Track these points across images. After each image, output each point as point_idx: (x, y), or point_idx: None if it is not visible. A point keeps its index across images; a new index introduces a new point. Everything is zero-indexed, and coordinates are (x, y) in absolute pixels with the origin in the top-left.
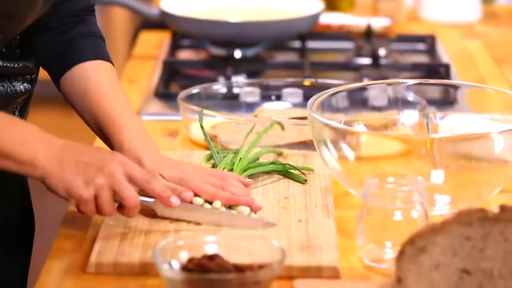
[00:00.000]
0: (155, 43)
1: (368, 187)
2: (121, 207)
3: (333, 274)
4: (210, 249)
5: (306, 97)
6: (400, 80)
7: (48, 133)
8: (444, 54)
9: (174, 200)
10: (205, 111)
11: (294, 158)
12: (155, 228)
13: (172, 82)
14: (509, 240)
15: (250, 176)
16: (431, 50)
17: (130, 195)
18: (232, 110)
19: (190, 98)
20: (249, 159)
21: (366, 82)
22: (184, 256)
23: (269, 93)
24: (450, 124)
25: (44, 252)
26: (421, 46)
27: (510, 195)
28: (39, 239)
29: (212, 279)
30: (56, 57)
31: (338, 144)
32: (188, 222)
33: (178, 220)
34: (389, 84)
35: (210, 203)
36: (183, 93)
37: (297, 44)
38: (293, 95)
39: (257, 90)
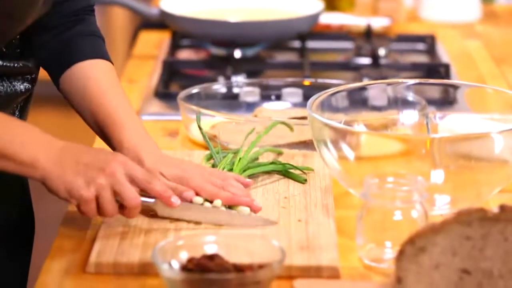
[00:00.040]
0: (155, 43)
1: (368, 187)
2: (122, 208)
3: (333, 274)
4: (210, 249)
5: (306, 97)
6: (400, 80)
7: (48, 134)
8: (444, 54)
9: (175, 200)
10: (205, 111)
11: (294, 158)
12: (154, 228)
13: (172, 82)
14: (509, 240)
15: (250, 176)
16: (431, 50)
17: (131, 195)
18: (232, 110)
19: (190, 98)
20: (248, 159)
21: (366, 82)
22: (184, 256)
23: (269, 93)
24: (450, 124)
25: (44, 252)
26: (421, 46)
27: (510, 195)
28: (39, 239)
29: (212, 279)
30: (56, 57)
31: (338, 144)
32: (188, 221)
33: (177, 219)
34: (389, 84)
35: (211, 202)
36: (183, 93)
37: (297, 44)
38: (293, 95)
39: (257, 90)
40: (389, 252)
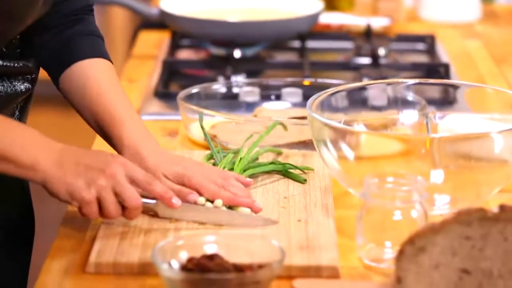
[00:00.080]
0: (154, 43)
1: (367, 186)
2: (123, 209)
3: (333, 273)
4: (210, 249)
5: (306, 97)
6: (400, 80)
7: (47, 137)
8: (444, 54)
9: (176, 201)
10: (205, 111)
11: (293, 157)
12: (154, 228)
13: (172, 82)
14: (509, 239)
15: (250, 176)
16: (431, 50)
17: (132, 196)
18: (231, 109)
19: (190, 97)
20: (249, 159)
21: (365, 81)
22: (184, 256)
23: (269, 93)
24: (449, 123)
25: (44, 252)
26: (420, 46)
27: (510, 194)
28: (39, 239)
29: (212, 279)
30: (55, 56)
31: (338, 144)
32: (188, 222)
33: (177, 219)
34: (388, 84)
35: (211, 201)
36: (182, 93)
37: (296, 44)
38: (292, 94)
39: (256, 90)
40: (389, 252)
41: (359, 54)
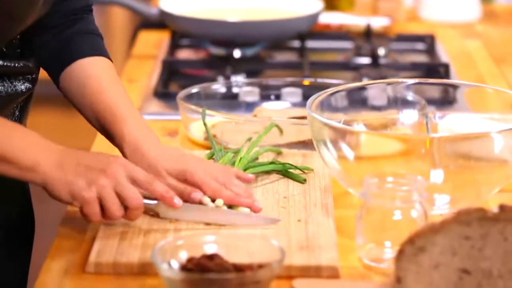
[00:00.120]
0: (154, 43)
1: (367, 186)
2: (124, 210)
3: (333, 273)
4: (210, 249)
5: (306, 97)
6: (400, 80)
7: (46, 138)
8: (444, 54)
9: (177, 201)
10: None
11: (293, 157)
12: (154, 228)
13: (172, 82)
14: (509, 239)
15: (247, 181)
16: (431, 50)
17: (133, 195)
18: (231, 109)
19: (190, 97)
20: (248, 159)
21: (365, 81)
22: (184, 256)
23: (269, 93)
24: (449, 123)
25: (44, 252)
26: (420, 45)
27: (509, 194)
28: (39, 239)
29: (212, 279)
30: (55, 55)
31: (338, 144)
32: (189, 222)
33: (177, 220)
34: (388, 84)
35: (212, 200)
36: (182, 93)
37: (296, 43)
38: (292, 94)
39: (256, 90)
40: (389, 252)
41: (359, 54)
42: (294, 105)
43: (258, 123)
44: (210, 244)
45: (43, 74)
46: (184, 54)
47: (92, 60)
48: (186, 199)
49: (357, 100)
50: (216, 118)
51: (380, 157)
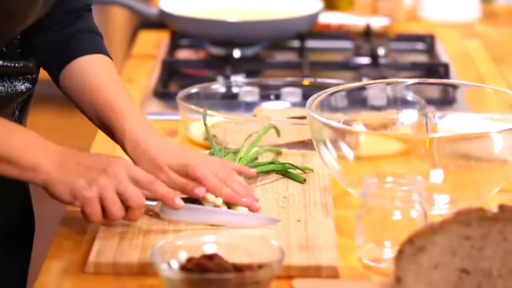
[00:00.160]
0: (154, 43)
1: (367, 186)
2: (125, 210)
3: (332, 273)
4: (209, 249)
5: (305, 97)
6: (399, 80)
7: (47, 139)
8: (443, 54)
9: (179, 202)
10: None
11: (293, 157)
12: (154, 228)
13: (171, 82)
14: (508, 239)
15: (249, 176)
16: (430, 50)
17: (135, 195)
18: (231, 109)
19: (189, 97)
20: (248, 159)
21: (365, 81)
22: (183, 256)
23: (268, 93)
24: (449, 123)
25: (44, 252)
26: (420, 45)
27: (509, 194)
28: (39, 239)
29: (211, 279)
30: (55, 53)
31: (337, 144)
32: (189, 223)
33: (177, 220)
34: (388, 84)
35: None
36: (182, 93)
37: (296, 43)
38: (292, 94)
39: (256, 90)
40: (389, 252)
41: (358, 54)
42: (294, 105)
43: (258, 123)
44: (209, 244)
45: (43, 74)
46: (184, 54)
47: (92, 57)
48: (189, 194)
49: (357, 100)
50: (216, 118)
51: (380, 157)
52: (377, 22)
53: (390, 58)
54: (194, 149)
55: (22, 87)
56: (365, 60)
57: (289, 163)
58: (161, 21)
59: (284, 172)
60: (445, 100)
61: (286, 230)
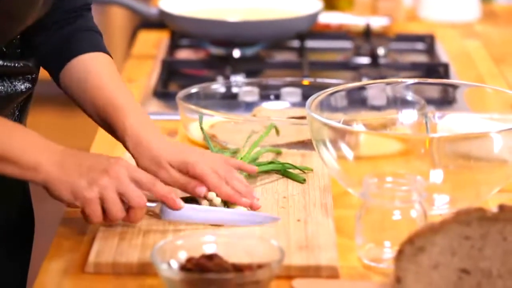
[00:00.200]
0: (153, 43)
1: (367, 186)
2: (126, 212)
3: (332, 273)
4: (209, 249)
5: (305, 97)
6: (399, 80)
7: (47, 139)
8: (443, 54)
9: (179, 202)
10: (204, 111)
11: (292, 157)
12: (153, 228)
13: (171, 82)
14: (508, 239)
15: (249, 176)
16: (430, 50)
17: (136, 195)
18: (231, 109)
19: (189, 97)
20: (249, 159)
21: (365, 81)
22: (183, 256)
23: (268, 93)
24: (449, 123)
25: (44, 252)
26: (420, 45)
27: (509, 194)
28: (39, 239)
29: (211, 279)
30: (56, 52)
31: (337, 144)
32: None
33: (177, 221)
34: (388, 84)
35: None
36: (181, 93)
37: (296, 43)
38: (292, 94)
39: (256, 90)
40: (388, 252)
41: (358, 53)
42: (294, 105)
43: (258, 123)
44: (209, 244)
45: (43, 74)
46: (184, 54)
47: (92, 55)
48: (190, 193)
49: (357, 100)
50: (216, 118)
51: (380, 157)
52: (377, 22)
53: (390, 58)
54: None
55: (22, 87)
56: (365, 60)
57: (289, 163)
58: (161, 21)
59: (284, 172)
60: (445, 100)
61: (285, 230)
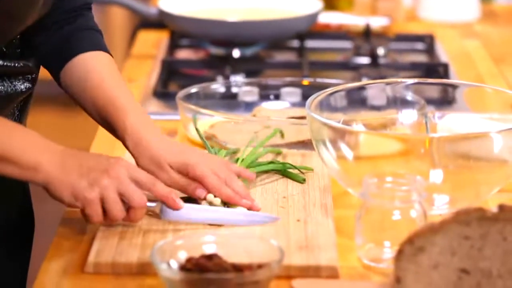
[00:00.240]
0: (153, 43)
1: (366, 186)
2: (127, 212)
3: (332, 273)
4: (209, 249)
5: (305, 97)
6: (399, 80)
7: (47, 139)
8: (443, 54)
9: (179, 202)
10: (204, 111)
11: (292, 157)
12: (153, 228)
13: (171, 82)
14: (508, 239)
15: (247, 179)
16: (430, 50)
17: (136, 195)
18: (230, 109)
19: (189, 97)
20: (250, 160)
21: (364, 81)
22: (183, 256)
23: (268, 93)
24: (448, 123)
25: (44, 252)
26: (419, 45)
27: (509, 194)
28: (39, 239)
29: (211, 279)
30: (56, 51)
31: (337, 144)
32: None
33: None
34: (387, 84)
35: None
36: (181, 93)
37: (295, 43)
38: (291, 94)
39: (255, 90)
40: (388, 252)
41: (358, 53)
42: (293, 105)
43: (257, 123)
44: (209, 244)
45: (43, 73)
46: (184, 54)
47: (92, 54)
48: (190, 195)
49: (357, 100)
50: (215, 118)
51: (380, 157)
52: (377, 22)
53: (389, 58)
54: (195, 147)
55: (22, 86)
56: (364, 60)
57: (289, 163)
58: (161, 21)
59: (284, 172)
60: (445, 100)
61: (285, 230)
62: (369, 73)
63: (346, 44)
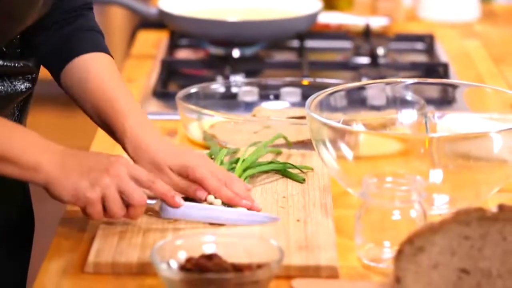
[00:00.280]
0: (153, 43)
1: (366, 186)
2: (127, 209)
3: (332, 273)
4: (208, 249)
5: (305, 97)
6: (399, 80)
7: (47, 139)
8: (443, 54)
9: (179, 200)
10: (203, 111)
11: (292, 157)
12: (153, 228)
13: (171, 82)
14: (508, 239)
15: (249, 176)
16: (430, 50)
17: (136, 193)
18: (230, 109)
19: (189, 97)
20: (249, 162)
21: (364, 81)
22: (182, 256)
23: (268, 93)
24: (448, 123)
25: (43, 252)
26: (419, 45)
27: (509, 194)
28: (39, 239)
29: (210, 279)
30: (56, 52)
31: (337, 144)
32: (188, 221)
33: (176, 219)
34: (387, 84)
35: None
36: (181, 93)
37: (295, 43)
38: (291, 94)
39: (255, 90)
40: (388, 252)
41: (358, 53)
42: (293, 105)
43: (257, 123)
44: (209, 244)
45: (43, 73)
46: (183, 54)
47: (93, 56)
48: (191, 197)
49: (356, 100)
50: (215, 118)
51: (379, 157)
52: (377, 22)
53: (389, 58)
54: (194, 149)
55: (22, 86)
56: (364, 60)
57: (288, 163)
58: (161, 21)
59: (284, 171)
60: (445, 100)
61: (285, 230)
62: (369, 73)
63: (346, 44)
